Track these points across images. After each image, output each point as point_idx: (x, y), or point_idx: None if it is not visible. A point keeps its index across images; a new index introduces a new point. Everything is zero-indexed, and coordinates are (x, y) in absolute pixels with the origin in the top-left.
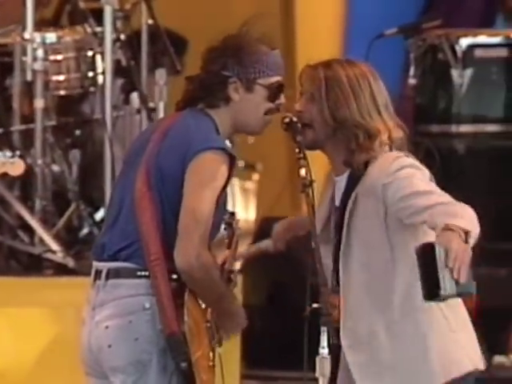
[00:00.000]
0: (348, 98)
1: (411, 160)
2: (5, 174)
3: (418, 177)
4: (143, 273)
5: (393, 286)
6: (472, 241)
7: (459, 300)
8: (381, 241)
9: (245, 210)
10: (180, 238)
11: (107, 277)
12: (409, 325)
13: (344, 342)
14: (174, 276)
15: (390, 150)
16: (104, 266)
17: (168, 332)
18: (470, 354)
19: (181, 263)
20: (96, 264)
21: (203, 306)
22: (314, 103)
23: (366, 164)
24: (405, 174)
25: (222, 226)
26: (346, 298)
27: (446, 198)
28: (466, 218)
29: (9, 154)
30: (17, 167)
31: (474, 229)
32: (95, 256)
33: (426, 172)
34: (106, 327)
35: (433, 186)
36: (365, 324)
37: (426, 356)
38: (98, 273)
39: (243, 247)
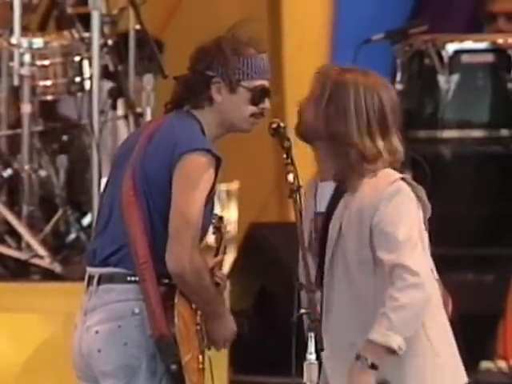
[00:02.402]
0: (348, 114)
1: (404, 187)
2: None
3: (406, 214)
4: (133, 278)
5: (376, 305)
6: (397, 347)
7: (440, 307)
8: (365, 260)
9: (227, 212)
10: (171, 241)
11: (99, 282)
12: None
13: (323, 353)
14: (164, 280)
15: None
16: (96, 271)
17: (157, 334)
18: (451, 378)
19: (173, 267)
20: (89, 270)
21: (194, 308)
22: (318, 107)
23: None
24: (393, 207)
25: (211, 231)
26: (327, 312)
27: (411, 257)
28: (399, 320)
29: None
30: None
31: (405, 330)
32: (88, 262)
33: (415, 201)
34: (96, 332)
35: (411, 233)
36: (346, 338)
37: (405, 379)
38: (91, 278)
39: (228, 251)
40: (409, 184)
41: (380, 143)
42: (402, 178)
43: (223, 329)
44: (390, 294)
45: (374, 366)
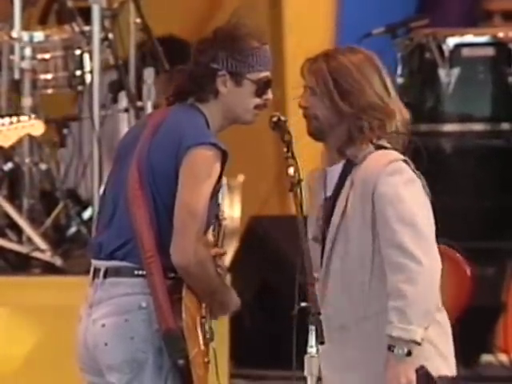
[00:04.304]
0: (361, 83)
1: (404, 166)
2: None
3: (407, 203)
4: (140, 272)
5: (368, 284)
6: (423, 329)
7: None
8: (362, 236)
9: (230, 207)
10: (176, 235)
11: (105, 275)
12: (378, 324)
13: None
14: (170, 274)
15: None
16: (102, 264)
17: (165, 328)
18: (443, 362)
19: (178, 259)
20: (94, 262)
21: (199, 300)
22: (316, 97)
23: (364, 156)
24: (395, 196)
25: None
26: (324, 286)
27: (413, 241)
28: (415, 302)
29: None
30: (38, 127)
31: (428, 302)
32: (93, 254)
33: (418, 182)
34: (103, 325)
35: (415, 216)
36: (337, 317)
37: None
38: (97, 271)
39: (230, 245)
40: (410, 167)
41: (391, 103)
42: (404, 160)
43: (228, 310)
44: (397, 287)
45: (409, 353)
